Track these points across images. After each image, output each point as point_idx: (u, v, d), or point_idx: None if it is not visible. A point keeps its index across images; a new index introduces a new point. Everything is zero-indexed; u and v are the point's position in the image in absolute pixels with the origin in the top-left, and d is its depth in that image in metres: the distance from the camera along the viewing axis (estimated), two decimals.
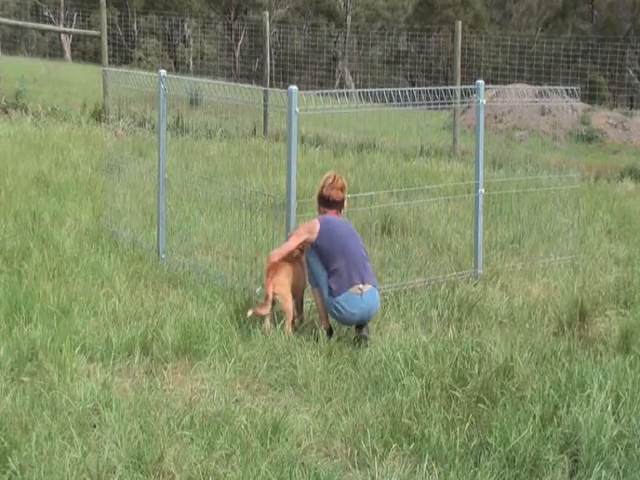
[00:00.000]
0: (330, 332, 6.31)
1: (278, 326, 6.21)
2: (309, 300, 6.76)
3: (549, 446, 4.62)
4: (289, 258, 6.45)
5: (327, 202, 6.60)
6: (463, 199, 8.83)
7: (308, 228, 6.43)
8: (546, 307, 6.94)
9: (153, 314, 6.34)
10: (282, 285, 6.35)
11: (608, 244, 9.16)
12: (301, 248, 6.49)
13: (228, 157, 9.37)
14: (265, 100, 7.14)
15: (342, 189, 6.62)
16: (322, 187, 6.64)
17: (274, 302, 6.34)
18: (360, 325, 6.30)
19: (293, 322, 6.38)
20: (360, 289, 6.23)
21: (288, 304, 6.35)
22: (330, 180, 6.61)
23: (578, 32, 42.00)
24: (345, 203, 6.69)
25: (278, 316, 6.38)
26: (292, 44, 35.33)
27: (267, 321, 6.28)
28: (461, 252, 8.34)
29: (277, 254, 6.44)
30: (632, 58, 36.14)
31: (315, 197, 6.71)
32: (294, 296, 6.49)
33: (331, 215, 6.56)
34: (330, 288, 6.27)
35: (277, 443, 4.62)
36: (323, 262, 6.34)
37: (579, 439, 4.63)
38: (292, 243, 6.44)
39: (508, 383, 5.31)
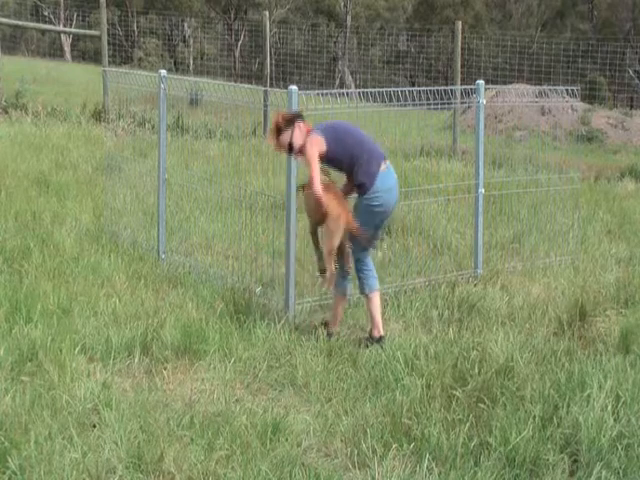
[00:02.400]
0: (330, 335, 6.22)
1: (278, 325, 6.21)
2: (309, 300, 6.76)
3: (549, 446, 4.62)
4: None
5: (296, 117, 6.26)
6: (463, 199, 8.83)
7: (313, 144, 6.13)
8: (546, 307, 6.94)
9: (153, 314, 6.34)
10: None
11: (608, 244, 9.16)
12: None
13: (228, 157, 9.37)
14: (265, 100, 7.14)
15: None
16: (278, 119, 6.21)
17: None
18: (380, 339, 6.22)
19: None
20: (384, 164, 6.30)
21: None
22: (279, 113, 6.27)
23: (578, 32, 42.03)
24: None
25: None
26: (292, 44, 35.34)
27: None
28: (461, 252, 8.34)
29: (317, 185, 6.06)
30: (632, 58, 36.13)
31: (271, 133, 6.28)
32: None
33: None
34: (364, 186, 6.19)
35: (277, 443, 4.62)
36: (344, 168, 6.24)
37: (579, 439, 4.63)
38: (313, 165, 6.09)
39: (508, 383, 5.31)
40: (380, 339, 6.22)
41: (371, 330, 6.32)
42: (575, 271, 8.04)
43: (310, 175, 6.12)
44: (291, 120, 6.21)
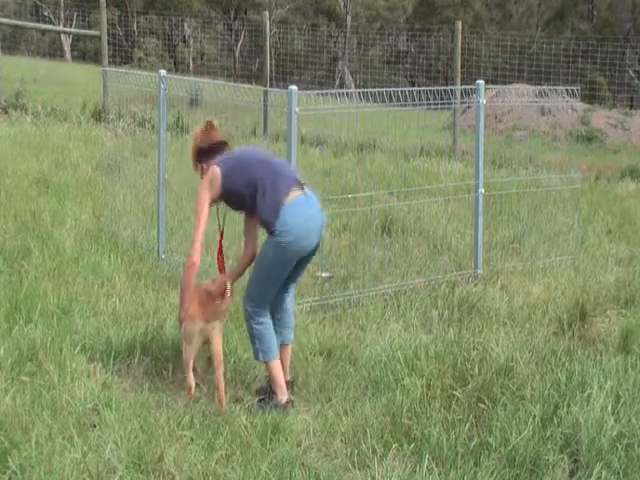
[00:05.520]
0: (290, 404, 5.19)
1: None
2: (309, 300, 6.75)
3: (549, 446, 4.61)
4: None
5: (211, 149, 5.37)
6: (463, 199, 8.83)
7: (207, 182, 5.19)
8: (546, 307, 6.94)
9: (153, 314, 6.34)
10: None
11: (608, 244, 9.16)
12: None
13: None
14: (265, 100, 7.14)
15: (217, 128, 5.49)
16: (195, 142, 5.43)
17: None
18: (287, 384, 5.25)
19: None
20: (300, 190, 5.16)
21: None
22: (201, 128, 5.48)
23: (578, 32, 42.01)
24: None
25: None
26: (292, 44, 35.34)
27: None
28: (461, 252, 8.33)
29: (195, 247, 5.16)
30: (632, 58, 36.14)
31: (193, 161, 5.44)
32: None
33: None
34: (267, 222, 5.07)
35: (277, 443, 4.62)
36: (247, 202, 5.15)
37: (579, 439, 4.63)
38: (201, 216, 5.17)
39: (508, 383, 5.30)
40: (286, 404, 5.18)
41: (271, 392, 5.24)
42: (575, 271, 8.04)
43: (193, 235, 5.22)
44: (207, 152, 5.39)
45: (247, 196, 5.12)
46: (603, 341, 6.31)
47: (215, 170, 5.18)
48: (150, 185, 8.71)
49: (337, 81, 39.54)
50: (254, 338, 5.22)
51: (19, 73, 18.93)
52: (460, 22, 16.81)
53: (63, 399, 4.90)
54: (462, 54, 16.96)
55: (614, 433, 4.65)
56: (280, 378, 5.22)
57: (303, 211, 5.12)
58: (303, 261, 5.28)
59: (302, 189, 5.17)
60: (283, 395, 5.20)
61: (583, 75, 23.54)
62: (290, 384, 5.31)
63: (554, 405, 5.00)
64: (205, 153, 5.38)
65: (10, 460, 4.27)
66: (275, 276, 5.18)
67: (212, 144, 5.39)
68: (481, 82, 8.01)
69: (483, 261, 8.01)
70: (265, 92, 7.24)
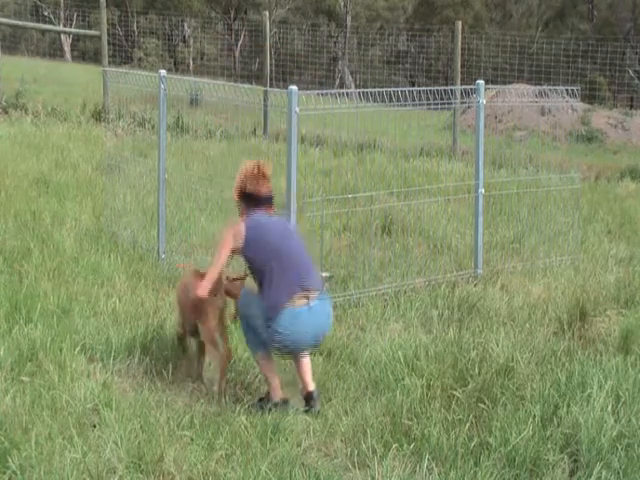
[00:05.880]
0: (286, 402, 5.17)
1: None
2: None
3: (549, 446, 4.62)
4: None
5: (254, 200, 5.25)
6: (463, 199, 8.83)
7: (232, 233, 5.17)
8: (546, 307, 6.94)
9: (153, 314, 6.34)
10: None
11: (608, 244, 9.16)
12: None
13: (228, 157, 9.37)
14: (265, 100, 7.14)
15: (269, 178, 5.33)
16: (244, 181, 5.28)
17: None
18: (309, 396, 5.18)
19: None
20: (305, 299, 5.07)
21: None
22: (254, 170, 5.29)
23: (578, 32, 42.01)
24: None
25: None
26: (292, 44, 35.33)
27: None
28: (461, 252, 8.33)
29: (205, 285, 5.17)
30: (632, 58, 36.14)
31: (235, 195, 5.34)
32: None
33: (260, 214, 5.27)
34: (267, 312, 5.03)
35: (277, 443, 4.62)
36: (253, 273, 5.19)
37: (579, 439, 4.63)
38: (220, 257, 5.17)
39: (508, 383, 5.31)
40: (285, 402, 5.18)
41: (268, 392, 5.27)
42: (575, 271, 8.04)
43: (208, 270, 5.20)
44: (249, 199, 5.28)
45: (257, 273, 5.14)
46: (603, 341, 6.31)
47: (241, 230, 5.15)
48: (150, 185, 8.71)
49: (337, 81, 39.54)
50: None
51: (19, 73, 18.92)
52: (460, 22, 16.80)
53: (63, 399, 4.90)
54: (462, 54, 16.95)
55: (614, 433, 4.65)
56: (268, 375, 5.21)
57: (303, 323, 5.04)
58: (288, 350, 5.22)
59: (307, 298, 5.07)
60: (274, 392, 5.19)
61: (583, 75, 23.54)
62: (310, 395, 5.18)
63: (554, 405, 5.00)
64: (247, 198, 5.28)
65: (10, 460, 4.27)
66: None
67: (258, 196, 5.26)
68: (481, 82, 8.01)
69: (483, 261, 8.01)
70: (265, 92, 7.25)
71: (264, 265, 5.07)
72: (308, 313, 5.06)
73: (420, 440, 4.66)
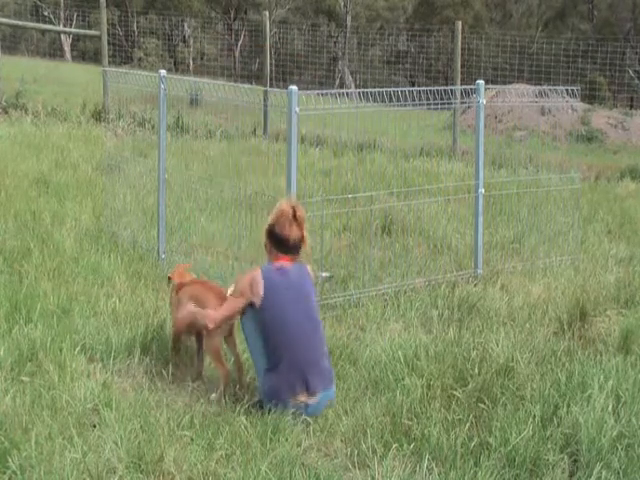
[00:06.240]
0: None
1: None
2: None
3: (549, 446, 4.61)
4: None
5: (283, 244, 5.06)
6: (463, 199, 8.83)
7: (248, 283, 5.00)
8: (546, 307, 6.94)
9: (153, 314, 6.34)
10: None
11: (608, 244, 9.16)
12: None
13: (228, 157, 9.37)
14: (265, 100, 7.14)
15: (303, 223, 5.07)
16: (276, 220, 5.04)
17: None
18: None
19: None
20: (304, 400, 4.95)
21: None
22: (289, 213, 5.03)
23: (578, 32, 42.02)
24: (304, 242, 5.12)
25: None
26: (292, 44, 35.34)
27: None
28: (461, 252, 8.33)
29: (212, 319, 5.14)
30: (632, 58, 36.15)
31: (264, 233, 5.12)
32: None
33: (283, 263, 5.06)
34: (260, 388, 5.07)
35: (277, 443, 4.62)
36: (262, 336, 5.01)
37: (579, 439, 4.63)
38: (231, 306, 5.09)
39: (508, 383, 5.30)
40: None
41: None
42: (575, 271, 8.03)
43: (221, 307, 5.14)
44: (276, 241, 5.09)
45: (264, 336, 4.99)
46: (603, 341, 6.31)
47: (259, 283, 4.97)
48: (150, 185, 8.71)
49: (337, 81, 39.55)
50: None
51: (19, 73, 18.93)
52: (460, 22, 16.81)
53: (63, 399, 4.90)
54: (462, 54, 16.96)
55: (614, 433, 4.64)
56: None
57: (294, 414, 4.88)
58: None
59: (306, 397, 4.95)
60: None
61: (583, 75, 23.55)
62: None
63: (554, 405, 5.00)
64: (276, 241, 5.08)
65: (10, 460, 4.26)
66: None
67: (287, 241, 5.05)
68: (481, 82, 8.00)
69: (483, 261, 8.01)
70: (265, 92, 7.24)
71: (275, 338, 4.96)
72: (303, 410, 4.94)
73: (420, 440, 4.66)
